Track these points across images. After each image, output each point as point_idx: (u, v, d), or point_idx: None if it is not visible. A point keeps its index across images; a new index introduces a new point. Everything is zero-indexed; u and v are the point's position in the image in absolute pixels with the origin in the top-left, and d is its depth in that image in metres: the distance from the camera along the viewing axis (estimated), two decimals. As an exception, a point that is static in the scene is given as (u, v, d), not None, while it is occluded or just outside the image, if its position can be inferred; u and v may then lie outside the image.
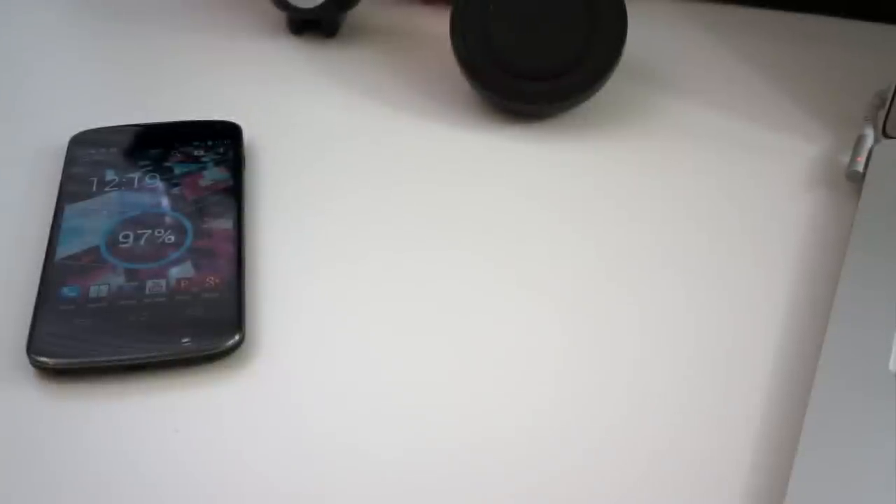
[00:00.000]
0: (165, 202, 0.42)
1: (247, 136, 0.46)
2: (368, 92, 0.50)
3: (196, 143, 0.45)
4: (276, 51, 0.53)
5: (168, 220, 0.41)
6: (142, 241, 0.40)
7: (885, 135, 0.45)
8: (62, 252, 0.39)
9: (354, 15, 0.55)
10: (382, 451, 0.34)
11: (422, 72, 0.51)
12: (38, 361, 0.35)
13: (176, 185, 0.42)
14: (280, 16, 0.55)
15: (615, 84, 0.48)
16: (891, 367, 0.34)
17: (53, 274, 0.38)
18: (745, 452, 0.34)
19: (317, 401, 0.36)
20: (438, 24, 0.54)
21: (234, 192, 0.42)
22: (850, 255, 0.39)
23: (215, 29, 0.54)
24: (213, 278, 0.38)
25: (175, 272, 0.38)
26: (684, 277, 0.40)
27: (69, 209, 0.41)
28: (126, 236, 0.40)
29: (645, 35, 0.53)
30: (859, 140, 0.44)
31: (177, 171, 0.43)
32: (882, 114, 0.45)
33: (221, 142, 0.45)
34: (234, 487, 0.33)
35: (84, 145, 0.44)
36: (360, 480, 0.33)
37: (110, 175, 0.43)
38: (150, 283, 0.38)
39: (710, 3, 0.57)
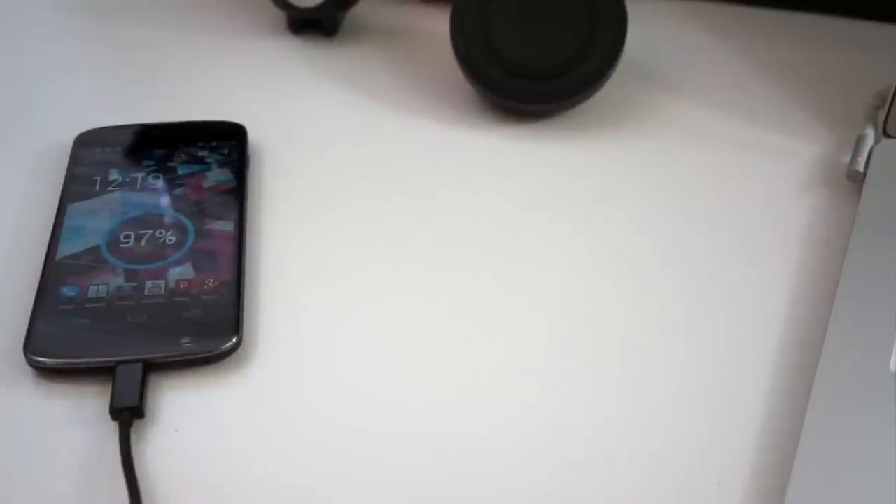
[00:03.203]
0: (168, 203, 0.42)
1: (248, 136, 0.46)
2: (368, 92, 0.50)
3: (201, 144, 0.45)
4: (276, 51, 0.53)
5: (170, 220, 0.41)
6: (143, 242, 0.40)
7: (886, 134, 0.45)
8: (63, 251, 0.39)
9: (354, 15, 0.55)
10: (381, 453, 0.34)
11: (422, 72, 0.51)
12: (35, 361, 0.35)
13: (179, 185, 0.42)
14: (280, 15, 0.55)
15: (615, 84, 0.48)
16: (891, 367, 0.34)
17: (53, 273, 0.38)
18: (745, 452, 0.34)
19: (315, 403, 0.36)
20: (438, 24, 0.54)
21: (238, 194, 0.42)
22: (850, 255, 0.39)
23: (215, 29, 0.54)
24: (212, 280, 0.38)
25: (175, 273, 0.38)
26: (684, 277, 0.40)
27: (71, 208, 0.41)
28: (127, 236, 0.40)
29: (645, 35, 0.53)
30: (859, 140, 0.44)
31: (180, 171, 0.43)
32: (882, 113, 0.45)
33: (226, 143, 0.45)
34: (233, 488, 0.33)
35: (89, 144, 0.44)
36: (358, 482, 0.33)
37: (114, 174, 0.43)
38: (149, 284, 0.38)
39: (710, 3, 0.56)
